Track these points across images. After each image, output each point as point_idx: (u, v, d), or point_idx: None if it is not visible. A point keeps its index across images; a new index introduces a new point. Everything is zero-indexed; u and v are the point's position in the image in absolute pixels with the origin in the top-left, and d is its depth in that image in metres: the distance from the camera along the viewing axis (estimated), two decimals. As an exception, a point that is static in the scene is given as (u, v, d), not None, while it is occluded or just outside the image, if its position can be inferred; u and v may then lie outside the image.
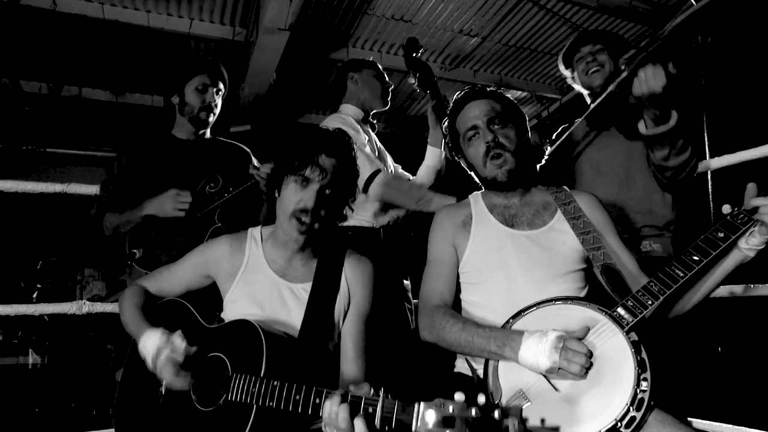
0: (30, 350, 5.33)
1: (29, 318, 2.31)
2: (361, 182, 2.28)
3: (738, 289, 2.01)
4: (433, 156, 2.51)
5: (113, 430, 1.64)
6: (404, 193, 2.30)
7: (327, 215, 1.64)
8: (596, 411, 1.27)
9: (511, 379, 1.38)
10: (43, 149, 6.50)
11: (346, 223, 2.42)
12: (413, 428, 1.02)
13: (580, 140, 2.42)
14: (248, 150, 2.56)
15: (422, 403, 1.03)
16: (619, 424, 1.24)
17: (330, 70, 5.77)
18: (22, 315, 2.24)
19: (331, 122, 2.51)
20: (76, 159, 6.71)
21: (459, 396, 1.01)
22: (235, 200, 2.22)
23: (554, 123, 6.81)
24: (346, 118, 2.57)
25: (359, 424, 1.10)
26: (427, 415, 1.01)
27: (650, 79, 1.76)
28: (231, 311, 1.67)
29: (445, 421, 0.99)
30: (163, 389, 1.54)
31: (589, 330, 1.35)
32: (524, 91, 6.50)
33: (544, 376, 1.33)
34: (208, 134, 2.50)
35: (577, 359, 1.27)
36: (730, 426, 1.96)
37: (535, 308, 1.47)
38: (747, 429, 1.90)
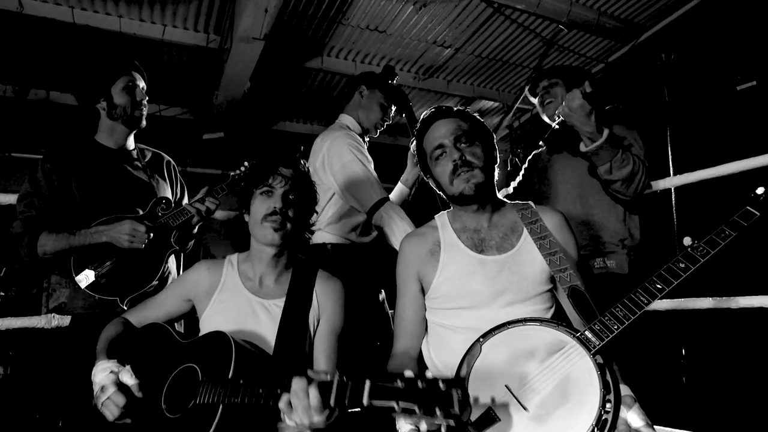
0: (-8, 361, 5.17)
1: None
2: (367, 204, 2.32)
3: (671, 303, 2.15)
4: (400, 194, 2.57)
5: None
6: (401, 231, 2.22)
7: (295, 219, 1.76)
8: (563, 430, 1.31)
9: (480, 398, 1.41)
10: (8, 154, 6.31)
11: (325, 240, 2.45)
12: (364, 403, 1.08)
13: (544, 163, 2.57)
14: (170, 159, 2.59)
15: (370, 380, 1.10)
16: (584, 444, 1.28)
17: (305, 79, 5.77)
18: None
19: (334, 136, 2.49)
20: (42, 164, 6.50)
21: (408, 373, 1.07)
22: (186, 224, 2.28)
23: (525, 133, 6.94)
24: (350, 133, 2.56)
25: (313, 391, 1.17)
26: (368, 386, 1.08)
27: (567, 101, 2.03)
28: (206, 329, 1.69)
29: (393, 393, 1.05)
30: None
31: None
32: (496, 102, 6.60)
33: (513, 395, 1.37)
34: (132, 143, 2.45)
35: None
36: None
37: (504, 328, 1.51)
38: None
